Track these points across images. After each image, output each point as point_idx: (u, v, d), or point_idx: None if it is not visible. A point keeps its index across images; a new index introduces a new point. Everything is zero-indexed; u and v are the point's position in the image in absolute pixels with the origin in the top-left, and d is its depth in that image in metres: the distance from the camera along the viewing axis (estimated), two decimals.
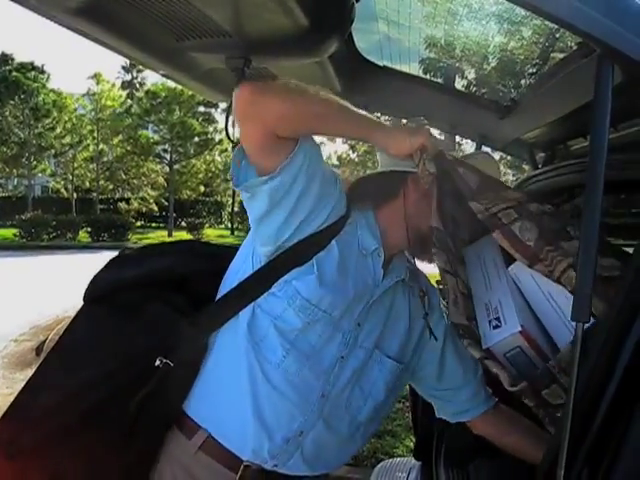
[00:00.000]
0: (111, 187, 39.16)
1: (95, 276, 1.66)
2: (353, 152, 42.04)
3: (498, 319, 1.41)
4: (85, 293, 1.63)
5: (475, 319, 1.47)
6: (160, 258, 1.73)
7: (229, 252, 1.71)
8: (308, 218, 1.52)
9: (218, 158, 38.93)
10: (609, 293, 1.22)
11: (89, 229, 29.39)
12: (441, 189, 1.48)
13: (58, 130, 36.67)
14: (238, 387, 1.54)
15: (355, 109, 1.52)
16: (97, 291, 1.64)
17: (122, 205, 35.49)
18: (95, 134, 36.52)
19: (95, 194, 37.66)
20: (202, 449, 1.55)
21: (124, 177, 37.49)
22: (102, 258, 1.79)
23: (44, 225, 28.22)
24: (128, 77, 44.41)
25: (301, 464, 1.59)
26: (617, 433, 1.09)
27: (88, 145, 36.55)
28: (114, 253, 1.82)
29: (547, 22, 1.66)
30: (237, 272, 1.62)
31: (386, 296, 1.68)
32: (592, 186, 1.02)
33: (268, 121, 1.43)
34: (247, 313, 1.55)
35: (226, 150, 38.60)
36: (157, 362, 1.52)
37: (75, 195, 37.93)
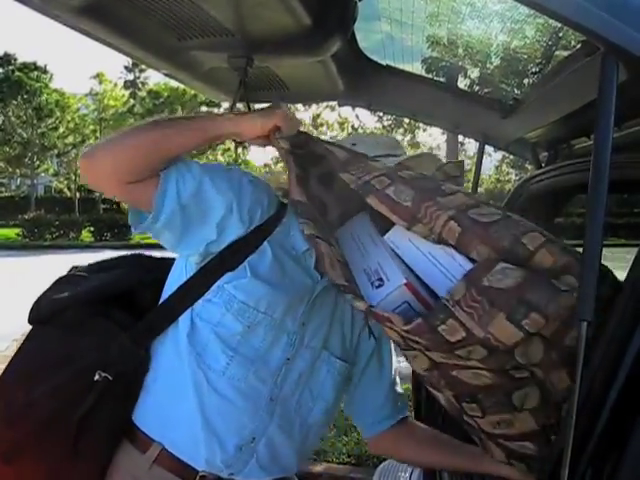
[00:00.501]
0: None
1: (39, 297, 1.65)
2: None
3: (380, 279, 1.36)
4: (29, 315, 1.63)
5: (355, 282, 1.41)
6: (105, 274, 1.70)
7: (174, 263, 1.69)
8: (225, 226, 1.50)
9: (221, 158, 38.88)
10: (491, 236, 1.23)
11: (92, 229, 29.43)
12: (301, 164, 1.48)
13: (61, 130, 36.75)
14: (185, 398, 1.52)
15: (192, 115, 1.52)
16: (41, 312, 1.62)
17: (125, 204, 35.48)
18: (98, 134, 36.57)
19: (98, 194, 37.69)
20: (157, 462, 1.53)
21: None
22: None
23: (47, 225, 28.29)
24: (130, 77, 44.42)
25: (258, 470, 1.57)
26: (621, 434, 1.09)
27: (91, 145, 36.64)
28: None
29: (550, 20, 1.65)
30: (174, 282, 1.60)
31: (329, 294, 1.64)
32: (596, 185, 1.02)
33: (110, 177, 1.41)
34: (186, 324, 1.53)
35: (229, 149, 38.61)
36: (96, 377, 1.50)
37: (78, 195, 38.01)
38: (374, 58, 2.31)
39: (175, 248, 1.55)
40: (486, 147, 2.84)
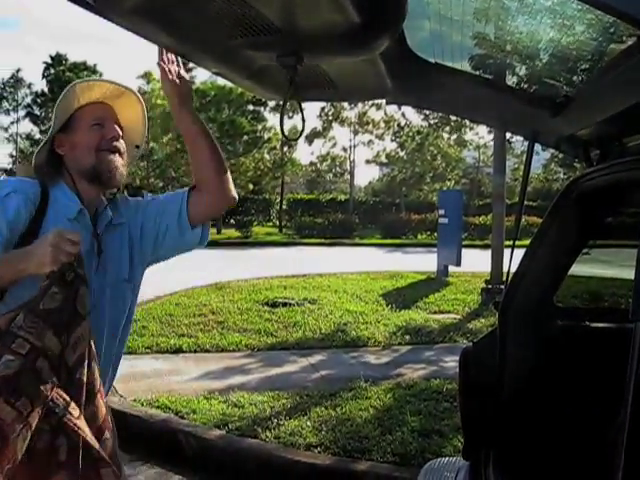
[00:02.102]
0: (161, 184, 39.65)
1: None
2: (402, 150, 41.90)
3: None
4: None
5: None
6: None
7: None
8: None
9: (267, 156, 39.11)
10: None
11: None
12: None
13: None
14: None
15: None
16: None
17: None
18: (146, 132, 36.93)
19: (145, 191, 38.16)
20: None
21: (174, 174, 37.92)
22: None
23: None
24: None
25: None
26: None
27: None
28: None
29: (603, 15, 1.63)
30: None
31: (107, 239, 2.11)
32: None
33: None
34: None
35: (275, 148, 38.76)
36: None
37: (126, 192, 38.39)
38: (422, 56, 2.29)
39: None
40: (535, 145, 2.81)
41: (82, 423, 1.68)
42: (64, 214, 2.01)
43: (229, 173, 2.22)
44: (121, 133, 2.13)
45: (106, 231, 2.12)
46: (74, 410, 1.67)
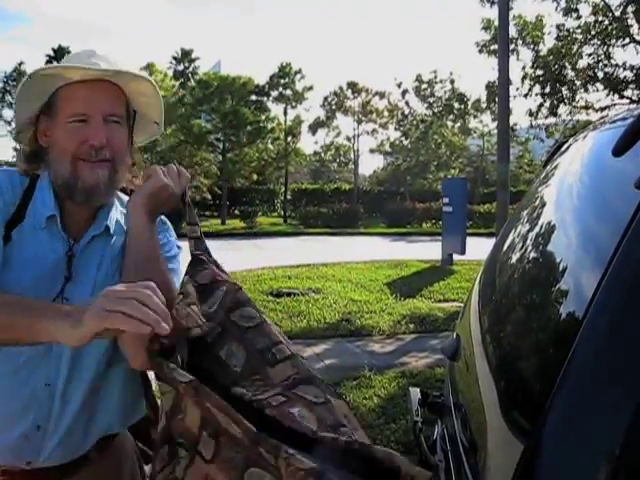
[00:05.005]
0: None
1: None
2: (406, 139, 41.79)
3: None
4: None
5: None
6: None
7: None
8: None
9: (270, 146, 39.04)
10: None
11: None
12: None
13: None
14: None
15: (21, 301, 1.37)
16: None
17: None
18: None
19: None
20: None
21: None
22: None
23: None
24: (180, 67, 44.79)
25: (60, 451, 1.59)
26: None
27: None
28: None
29: None
30: None
31: (90, 254, 1.62)
32: None
33: None
34: None
35: (278, 138, 38.70)
36: None
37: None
38: None
39: None
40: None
41: None
42: (38, 218, 1.57)
43: None
44: (107, 140, 1.54)
45: (88, 247, 1.63)
46: None
